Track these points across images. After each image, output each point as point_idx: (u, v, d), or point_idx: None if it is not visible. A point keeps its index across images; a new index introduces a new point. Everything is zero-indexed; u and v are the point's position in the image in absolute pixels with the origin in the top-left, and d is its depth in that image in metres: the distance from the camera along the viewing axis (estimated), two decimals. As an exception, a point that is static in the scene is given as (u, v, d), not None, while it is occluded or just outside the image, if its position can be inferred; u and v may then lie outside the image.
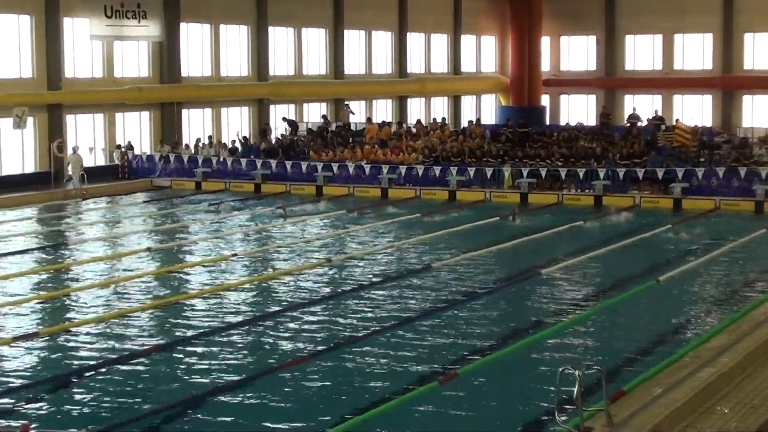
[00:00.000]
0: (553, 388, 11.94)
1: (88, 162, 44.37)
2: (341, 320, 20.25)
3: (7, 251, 28.54)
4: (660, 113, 51.93)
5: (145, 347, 18.14)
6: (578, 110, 63.91)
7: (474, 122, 49.69)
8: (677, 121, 45.69)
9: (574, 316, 20.20)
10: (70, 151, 40.89)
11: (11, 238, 31.25)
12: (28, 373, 16.72)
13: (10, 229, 33.07)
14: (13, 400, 15.33)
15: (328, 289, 23.23)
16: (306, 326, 19.70)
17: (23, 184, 40.92)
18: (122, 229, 32.76)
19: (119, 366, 17.03)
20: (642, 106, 56.47)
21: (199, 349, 18.05)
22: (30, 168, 42.97)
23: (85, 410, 14.84)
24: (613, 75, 64.15)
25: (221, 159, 44.76)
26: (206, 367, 16.97)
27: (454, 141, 44.00)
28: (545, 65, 65.70)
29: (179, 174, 44.66)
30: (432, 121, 51.65)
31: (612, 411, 12.33)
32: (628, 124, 46.97)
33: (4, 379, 16.37)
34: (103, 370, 16.78)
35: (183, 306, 21.61)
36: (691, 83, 61.48)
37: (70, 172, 40.79)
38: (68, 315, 21.03)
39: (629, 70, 64.04)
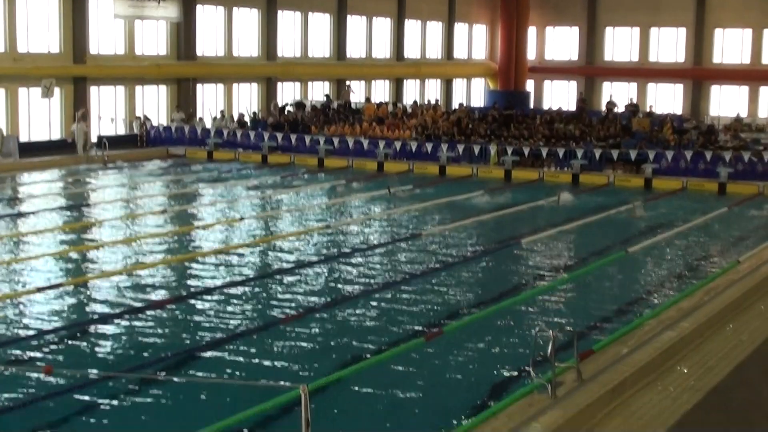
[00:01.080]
0: (528, 347, 11.99)
1: (110, 131, 44.44)
2: (337, 281, 20.35)
3: (35, 209, 28.58)
4: (635, 101, 51.94)
5: (159, 299, 18.26)
6: (560, 96, 63.90)
7: (461, 105, 49.69)
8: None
9: (549, 282, 20.29)
10: (76, 123, 40.72)
11: (38, 197, 31.29)
12: (52, 320, 16.84)
13: (36, 190, 33.10)
14: (38, 344, 15.44)
15: (325, 252, 23.30)
16: (304, 285, 19.80)
17: (49, 149, 40.92)
18: (140, 193, 32.76)
19: (136, 316, 17.14)
20: (618, 94, 56.59)
21: (208, 303, 18.19)
22: (56, 135, 42.97)
23: (103, 354, 14.96)
24: (593, 64, 64.11)
25: (232, 131, 44.75)
26: (214, 318, 17.11)
27: (445, 121, 44.01)
28: (531, 53, 65.76)
29: (193, 144, 44.62)
30: (426, 102, 51.68)
31: (582, 368, 12.45)
32: (606, 110, 46.99)
33: (31, 325, 16.48)
34: (121, 319, 16.91)
35: (194, 263, 21.70)
36: (664, 74, 61.57)
37: (76, 139, 40.73)
38: (89, 269, 21.12)
39: (608, 60, 64.00)
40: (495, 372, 14.30)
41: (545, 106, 54.46)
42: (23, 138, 40.94)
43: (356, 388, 13.49)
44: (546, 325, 12.95)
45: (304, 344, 15.65)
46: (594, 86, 63.40)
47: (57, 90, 41.41)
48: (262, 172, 39.57)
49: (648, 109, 47.69)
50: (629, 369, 12.82)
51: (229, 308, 17.82)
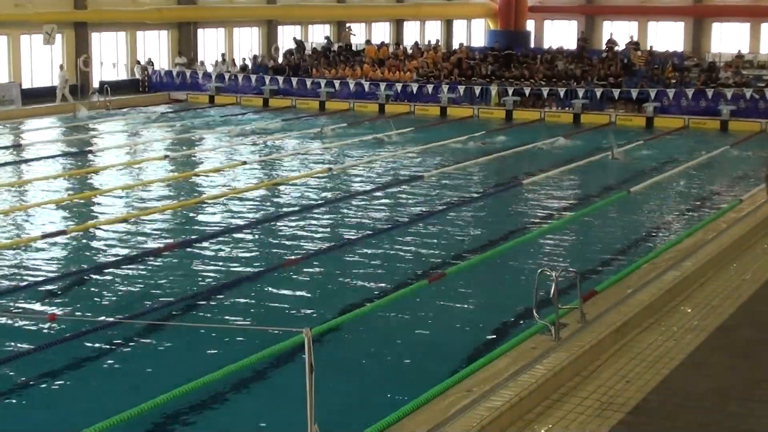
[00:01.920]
0: (531, 289, 11.88)
1: (112, 76, 44.08)
2: (340, 224, 20.23)
3: (37, 156, 28.41)
4: (636, 39, 51.34)
5: (162, 246, 18.13)
6: (561, 35, 63.11)
7: (461, 45, 49.27)
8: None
9: (552, 223, 20.11)
10: (56, 69, 39.99)
11: (40, 144, 31.09)
12: (56, 267, 16.73)
13: (39, 137, 32.88)
14: (42, 291, 15.34)
15: (327, 196, 23.15)
16: (308, 228, 19.67)
17: (52, 96, 40.53)
18: (142, 138, 32.54)
19: (138, 262, 17.01)
20: (619, 33, 55.85)
21: (211, 248, 18.02)
22: (58, 81, 42.54)
23: (106, 301, 14.86)
24: (594, 3, 63.30)
25: (233, 76, 44.35)
26: (217, 263, 16.96)
27: (446, 62, 43.62)
28: (531, -7, 64.82)
29: (194, 88, 44.25)
30: (426, 43, 51.17)
31: (585, 309, 12.33)
32: (606, 49, 46.49)
33: (34, 272, 16.36)
34: (124, 265, 16.77)
35: (197, 208, 21.56)
36: (665, 11, 60.77)
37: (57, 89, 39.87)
38: (92, 215, 20.97)
39: (607, -3, 63.22)
40: (498, 314, 14.15)
41: (545, 46, 53.79)
42: (26, 84, 40.58)
43: (359, 332, 13.40)
44: (549, 267, 12.79)
45: (306, 288, 15.49)
46: (594, 25, 62.67)
47: (58, 36, 40.98)
48: (264, 115, 39.33)
49: (649, 48, 47.10)
50: (633, 310, 12.70)
51: (232, 253, 17.68)
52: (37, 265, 16.79)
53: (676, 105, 37.23)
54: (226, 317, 14.04)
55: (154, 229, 19.59)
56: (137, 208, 21.55)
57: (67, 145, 31.36)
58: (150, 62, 45.49)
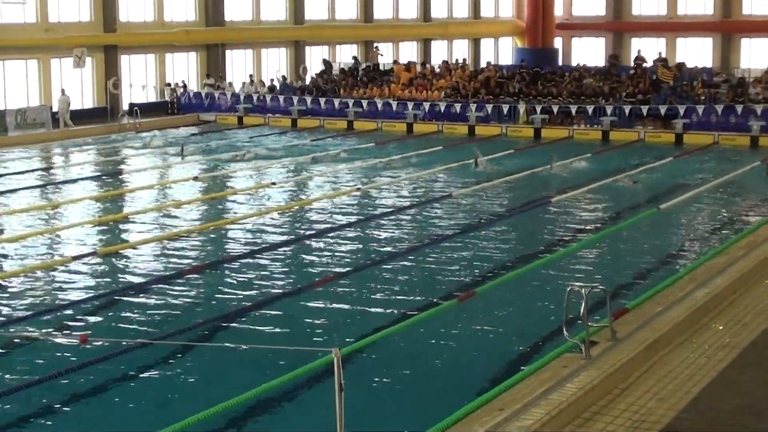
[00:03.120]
0: (561, 307, 11.81)
1: (141, 98, 44.37)
2: (369, 243, 20.25)
3: (68, 179, 28.60)
4: (663, 55, 51.21)
5: (192, 266, 18.18)
6: (588, 52, 63.09)
7: (489, 63, 49.32)
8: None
9: (581, 241, 20.05)
10: (58, 93, 40.04)
11: (71, 166, 31.32)
12: (86, 289, 16.79)
13: (70, 159, 33.14)
14: (73, 313, 15.42)
15: (356, 215, 23.17)
16: (337, 248, 19.67)
17: (82, 118, 40.94)
18: (172, 160, 32.69)
19: (168, 283, 17.05)
20: (647, 49, 55.72)
21: (241, 268, 18.06)
22: (88, 104, 43.00)
23: (137, 323, 14.90)
24: (621, 19, 63.27)
25: (261, 96, 44.57)
26: (246, 284, 17.00)
27: (474, 80, 43.66)
28: (558, 10, 64.85)
29: (223, 109, 44.49)
30: (454, 62, 51.24)
31: (615, 327, 12.24)
32: (634, 65, 46.38)
33: (66, 293, 16.46)
34: (154, 286, 16.83)
35: (227, 229, 21.64)
36: (693, 27, 60.59)
37: (57, 113, 39.54)
38: (123, 237, 21.09)
39: (636, 14, 63.10)
40: (528, 333, 14.09)
41: (574, 63, 53.74)
42: (56, 107, 40.82)
43: (389, 352, 13.34)
44: (579, 285, 12.68)
45: (336, 308, 15.49)
46: (622, 42, 62.61)
47: (88, 59, 41.38)
48: (292, 136, 39.37)
49: (677, 64, 46.93)
50: (664, 327, 12.58)
51: (262, 273, 17.69)
52: (69, 287, 16.88)
53: (706, 121, 37.06)
54: (256, 338, 14.04)
55: (184, 250, 19.65)
56: (167, 229, 21.61)
57: (98, 166, 31.56)
58: (184, 85, 45.88)
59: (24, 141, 36.93)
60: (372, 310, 15.44)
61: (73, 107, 41.73)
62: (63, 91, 40.06)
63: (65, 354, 13.27)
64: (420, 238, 20.59)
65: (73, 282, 17.24)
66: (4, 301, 16.12)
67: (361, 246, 19.99)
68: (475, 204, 24.41)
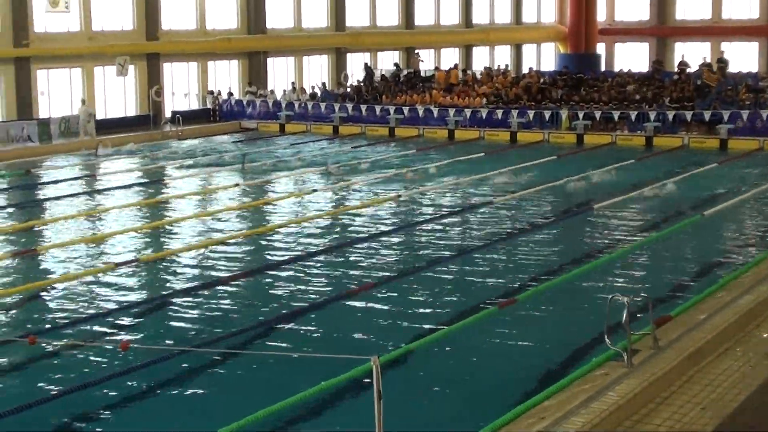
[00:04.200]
0: (603, 314, 11.76)
1: (183, 106, 44.65)
2: (410, 250, 20.26)
3: (111, 186, 28.87)
4: (708, 60, 50.79)
5: (231, 273, 18.29)
6: (631, 58, 62.73)
7: (531, 69, 49.25)
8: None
9: (624, 248, 19.92)
10: (79, 104, 40.03)
11: (115, 174, 31.59)
12: (128, 296, 16.95)
13: (113, 166, 33.43)
14: (115, 319, 15.56)
15: (397, 222, 23.20)
16: (377, 255, 19.70)
17: (125, 126, 41.34)
18: (214, 167, 32.87)
19: (209, 290, 17.17)
20: (691, 54, 55.31)
21: (280, 276, 18.13)
22: (131, 111, 43.44)
23: (177, 330, 15.02)
24: (665, 23, 62.86)
25: (303, 104, 44.77)
26: (287, 291, 17.09)
27: (515, 87, 43.59)
28: (601, 15, 64.53)
29: (265, 117, 44.72)
30: (495, 68, 51.18)
31: (658, 335, 12.17)
32: (678, 70, 46.06)
33: (108, 300, 16.62)
34: (195, 293, 16.95)
35: (268, 236, 21.72)
36: (739, 31, 60.03)
37: (80, 122, 39.27)
38: (165, 244, 21.25)
39: (680, 19, 62.65)
40: (569, 340, 14.01)
41: (616, 69, 53.47)
42: (99, 115, 41.35)
43: (429, 359, 13.33)
44: (621, 292, 12.60)
45: (376, 315, 15.53)
46: (666, 47, 62.19)
47: (131, 67, 41.79)
48: (334, 143, 39.51)
49: (721, 69, 46.54)
50: (707, 335, 12.49)
51: (303, 281, 17.76)
52: (111, 294, 17.05)
53: (751, 126, 36.70)
54: (295, 345, 14.09)
55: (225, 257, 19.78)
56: (208, 236, 21.74)
57: (140, 174, 31.84)
58: (229, 92, 46.20)
59: (68, 149, 37.33)
60: (412, 317, 15.40)
61: (116, 115, 42.38)
62: (83, 101, 40.11)
63: (107, 361, 13.40)
64: (461, 246, 20.53)
65: (116, 289, 17.40)
66: (48, 308, 16.30)
67: (401, 253, 20.01)
68: (516, 211, 24.31)
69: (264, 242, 21.20)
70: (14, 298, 16.93)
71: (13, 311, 16.35)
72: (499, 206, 24.79)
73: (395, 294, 16.76)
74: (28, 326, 15.27)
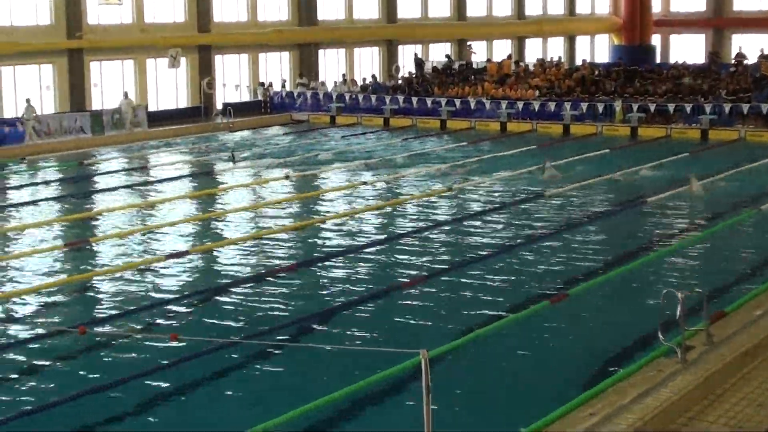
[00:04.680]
0: (656, 310, 11.62)
1: (235, 98, 44.79)
2: (459, 243, 20.20)
3: (162, 178, 29.06)
4: (766, 52, 49.99)
5: (283, 265, 18.35)
6: (687, 50, 61.95)
7: (584, 61, 48.85)
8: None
9: (678, 242, 19.70)
10: (121, 97, 39.84)
11: (165, 165, 31.80)
12: (178, 288, 17.06)
13: (164, 158, 33.63)
14: (164, 310, 15.67)
15: (448, 215, 23.12)
16: (427, 249, 19.64)
17: (177, 118, 41.67)
18: (265, 159, 32.94)
19: (260, 282, 17.24)
20: (749, 46, 54.52)
21: (332, 268, 18.22)
22: (183, 103, 43.74)
23: (226, 322, 15.08)
24: (722, 15, 62.01)
25: (353, 95, 44.82)
26: (335, 284, 17.12)
27: (569, 79, 43.24)
28: (657, 6, 63.80)
29: (315, 109, 44.83)
30: (549, 60, 50.82)
31: (712, 331, 12.03)
32: (735, 62, 45.45)
33: (157, 292, 16.74)
34: (244, 285, 17.04)
35: (318, 228, 21.77)
36: (798, 22, 59.07)
37: (122, 114, 39.11)
38: (215, 235, 21.37)
39: (737, 10, 61.76)
40: (622, 336, 13.91)
41: (672, 61, 52.83)
42: (151, 107, 41.70)
43: (479, 353, 13.29)
44: (675, 287, 12.43)
45: (425, 309, 15.47)
46: (723, 38, 61.37)
47: (183, 59, 42.06)
48: (384, 135, 39.49)
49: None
50: (763, 331, 12.32)
51: (352, 273, 17.79)
52: (161, 285, 17.18)
53: (811, 119, 36.14)
54: (344, 338, 14.13)
55: (275, 249, 19.86)
56: (258, 228, 21.81)
57: (191, 166, 32.03)
58: (283, 83, 46.33)
59: (119, 140, 37.69)
60: (462, 311, 15.37)
61: (167, 107, 42.60)
62: (126, 94, 40.05)
63: (156, 352, 13.51)
64: (511, 239, 20.44)
65: (166, 280, 17.52)
66: (98, 299, 16.48)
67: (452, 246, 19.95)
68: (568, 204, 24.14)
69: (314, 234, 21.22)
70: (65, 288, 17.11)
71: (65, 301, 16.53)
72: (551, 200, 24.62)
73: (444, 288, 16.72)
74: (79, 316, 15.39)
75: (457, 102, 42.34)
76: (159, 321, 15.20)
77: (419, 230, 21.27)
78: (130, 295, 16.57)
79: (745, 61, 44.96)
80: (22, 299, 16.37)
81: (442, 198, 25.22)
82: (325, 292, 16.56)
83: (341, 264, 18.48)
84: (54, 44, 38.65)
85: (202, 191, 26.83)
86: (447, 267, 18.06)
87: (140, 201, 25.47)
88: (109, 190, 27.31)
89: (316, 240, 20.72)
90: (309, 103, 45.13)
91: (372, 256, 19.13)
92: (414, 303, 15.83)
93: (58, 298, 16.61)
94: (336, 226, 21.99)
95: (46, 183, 28.93)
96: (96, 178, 30.06)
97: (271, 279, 17.45)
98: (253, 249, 19.90)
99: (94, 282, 17.43)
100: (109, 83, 41.27)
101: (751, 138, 36.18)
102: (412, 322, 14.88)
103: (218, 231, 21.92)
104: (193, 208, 24.67)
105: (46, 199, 25.98)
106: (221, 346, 13.30)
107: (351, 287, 16.84)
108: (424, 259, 18.77)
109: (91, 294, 16.86)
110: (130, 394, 12.03)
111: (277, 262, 18.77)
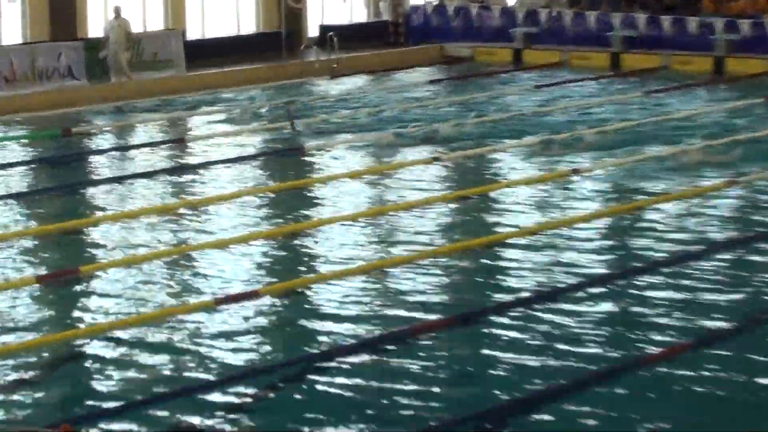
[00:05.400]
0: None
1: (340, 19, 45.43)
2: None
3: (223, 158, 28.78)
4: None
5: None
6: None
7: None
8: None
9: None
10: (111, 16, 39.01)
11: (225, 140, 31.41)
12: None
13: (214, 129, 33.03)
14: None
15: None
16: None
17: (240, 52, 41.72)
18: (393, 128, 31.80)
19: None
20: None
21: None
22: (249, 28, 44.04)
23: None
24: None
25: (554, 13, 44.43)
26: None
27: None
28: None
29: (487, 38, 44.54)
30: None
31: None
32: None
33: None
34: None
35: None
36: None
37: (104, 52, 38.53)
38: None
39: None
40: None
41: None
42: (193, 34, 41.87)
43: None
44: None
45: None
46: None
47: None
48: (616, 84, 38.99)
49: None
50: None
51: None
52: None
53: None
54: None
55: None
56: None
57: (267, 140, 31.48)
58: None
59: (126, 93, 37.52)
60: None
61: (228, 33, 42.74)
62: (117, 10, 38.54)
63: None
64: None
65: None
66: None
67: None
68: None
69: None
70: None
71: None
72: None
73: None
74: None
75: (745, 25, 40.83)
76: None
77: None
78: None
79: None
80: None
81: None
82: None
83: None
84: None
85: (286, 182, 26.47)
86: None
87: (171, 212, 24.30)
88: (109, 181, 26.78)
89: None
90: (474, 27, 44.38)
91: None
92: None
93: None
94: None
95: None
96: (90, 160, 29.74)
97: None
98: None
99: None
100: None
101: None
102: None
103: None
104: (273, 207, 24.76)
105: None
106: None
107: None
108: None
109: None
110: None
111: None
